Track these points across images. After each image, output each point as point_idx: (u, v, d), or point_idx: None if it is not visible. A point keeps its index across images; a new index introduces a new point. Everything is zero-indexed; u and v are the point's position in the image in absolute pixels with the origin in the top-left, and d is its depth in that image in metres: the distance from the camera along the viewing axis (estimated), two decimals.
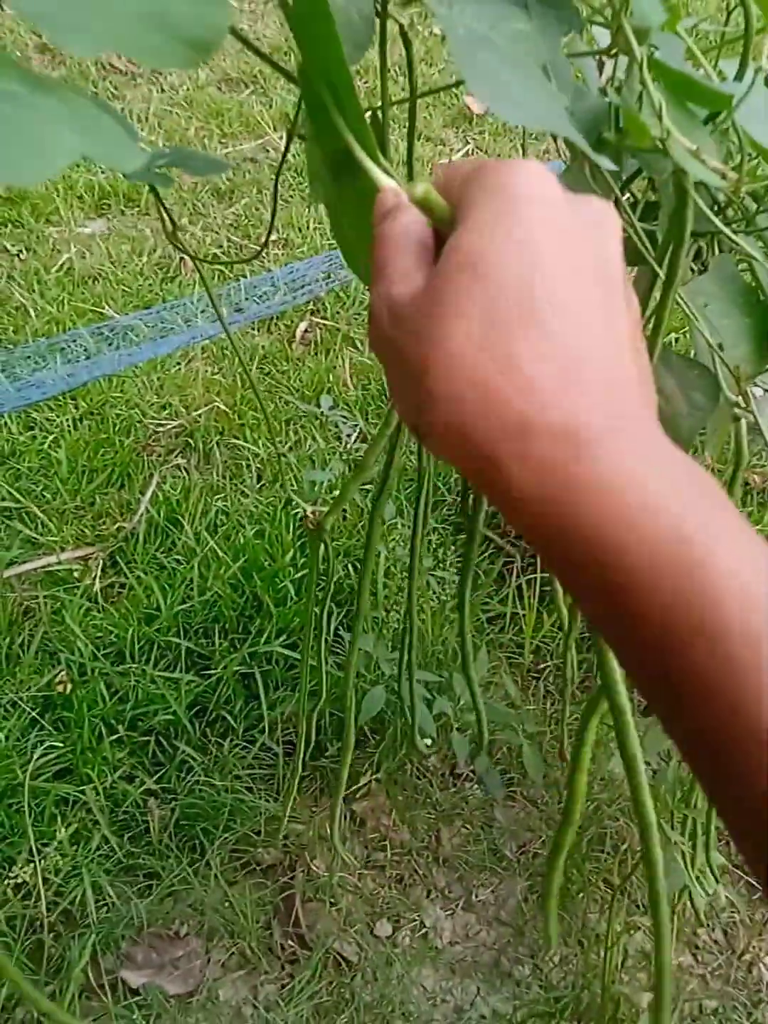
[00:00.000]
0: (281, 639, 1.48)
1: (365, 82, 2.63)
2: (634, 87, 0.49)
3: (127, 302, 2.11)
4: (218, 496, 1.73)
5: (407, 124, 0.66)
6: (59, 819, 1.31)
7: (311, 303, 2.15)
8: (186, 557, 1.61)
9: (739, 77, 0.57)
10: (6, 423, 1.82)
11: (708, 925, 1.36)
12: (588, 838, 1.39)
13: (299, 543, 1.61)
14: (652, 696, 0.29)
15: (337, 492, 1.65)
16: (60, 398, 1.87)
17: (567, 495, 0.28)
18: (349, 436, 1.89)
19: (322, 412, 1.84)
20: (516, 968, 1.31)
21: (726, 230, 0.57)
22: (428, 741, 1.36)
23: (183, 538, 1.63)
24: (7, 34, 2.77)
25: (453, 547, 1.69)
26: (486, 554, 1.67)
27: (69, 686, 1.43)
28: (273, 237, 2.30)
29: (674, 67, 0.50)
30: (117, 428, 1.85)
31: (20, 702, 1.40)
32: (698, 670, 0.27)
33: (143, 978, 1.23)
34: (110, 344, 1.93)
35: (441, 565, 1.65)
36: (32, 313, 2.05)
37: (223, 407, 1.91)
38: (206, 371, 1.99)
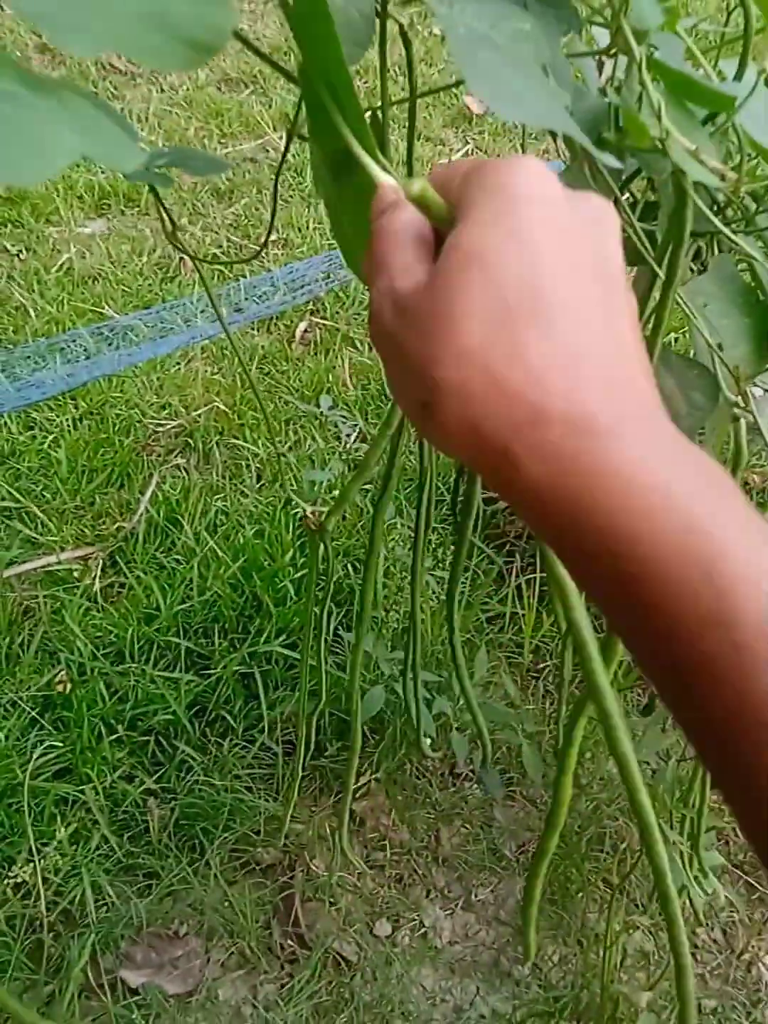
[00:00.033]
0: (281, 639, 1.48)
1: (365, 82, 2.62)
2: (633, 87, 0.49)
3: (127, 302, 2.11)
4: (218, 496, 1.73)
5: (407, 124, 0.66)
6: (59, 819, 1.31)
7: (311, 303, 2.15)
8: (186, 557, 1.61)
9: (739, 77, 0.57)
10: (6, 423, 1.82)
11: (707, 924, 1.36)
12: (587, 838, 1.40)
13: (299, 543, 1.61)
14: (661, 686, 0.30)
15: (336, 492, 1.65)
16: (60, 398, 1.87)
17: (579, 484, 0.28)
18: (348, 436, 1.90)
19: (322, 412, 1.84)
20: (515, 968, 1.31)
21: (725, 230, 0.57)
22: (428, 741, 1.36)
23: (183, 538, 1.63)
24: (7, 34, 2.77)
25: (453, 547, 1.68)
26: (485, 554, 1.67)
27: (69, 686, 1.43)
28: (273, 237, 2.30)
29: (674, 67, 0.50)
30: (117, 428, 1.85)
31: (20, 702, 1.41)
32: (707, 659, 0.27)
33: (142, 978, 1.24)
34: (110, 344, 1.93)
35: (441, 565, 1.65)
36: (32, 313, 2.05)
37: (223, 407, 1.91)
38: (206, 371, 1.99)
